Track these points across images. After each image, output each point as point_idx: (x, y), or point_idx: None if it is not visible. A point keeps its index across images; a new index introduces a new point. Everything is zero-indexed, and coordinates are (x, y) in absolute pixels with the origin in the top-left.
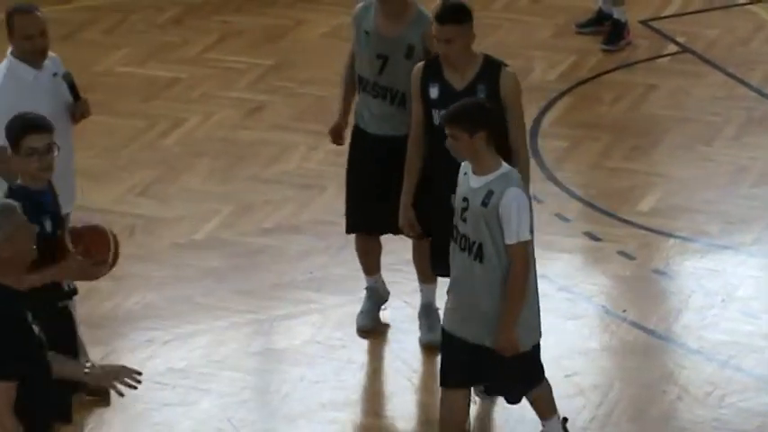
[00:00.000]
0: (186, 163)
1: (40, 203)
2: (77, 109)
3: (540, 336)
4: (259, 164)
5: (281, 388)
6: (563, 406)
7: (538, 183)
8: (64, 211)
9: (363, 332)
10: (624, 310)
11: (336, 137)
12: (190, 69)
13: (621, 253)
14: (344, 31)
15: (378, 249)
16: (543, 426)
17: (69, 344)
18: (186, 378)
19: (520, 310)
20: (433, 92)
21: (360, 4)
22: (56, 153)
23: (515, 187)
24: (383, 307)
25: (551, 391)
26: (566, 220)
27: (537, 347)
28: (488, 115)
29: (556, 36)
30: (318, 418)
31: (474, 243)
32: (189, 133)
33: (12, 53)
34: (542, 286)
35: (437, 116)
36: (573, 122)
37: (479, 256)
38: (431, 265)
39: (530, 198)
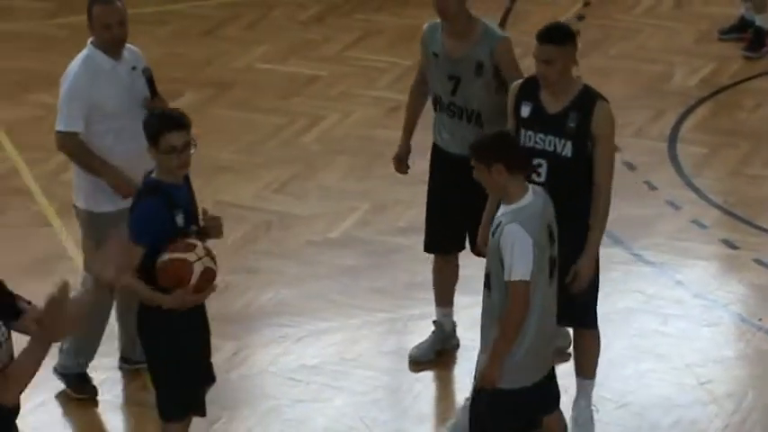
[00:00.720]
0: (324, 160)
1: (172, 197)
2: (153, 105)
3: (530, 383)
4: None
5: (413, 387)
6: (696, 413)
7: (676, 189)
8: (126, 206)
9: (415, 364)
10: (760, 319)
11: (399, 165)
12: (330, 67)
13: (758, 261)
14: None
15: (453, 277)
16: None
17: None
18: (319, 375)
19: (508, 348)
20: (525, 111)
21: (426, 26)
22: (193, 150)
23: (515, 224)
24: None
25: None
26: (703, 226)
27: (516, 393)
28: (504, 147)
29: (697, 42)
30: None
31: (487, 273)
32: (327, 131)
33: (92, 42)
34: (678, 293)
35: (524, 136)
36: (712, 129)
37: (488, 286)
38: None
39: (531, 237)
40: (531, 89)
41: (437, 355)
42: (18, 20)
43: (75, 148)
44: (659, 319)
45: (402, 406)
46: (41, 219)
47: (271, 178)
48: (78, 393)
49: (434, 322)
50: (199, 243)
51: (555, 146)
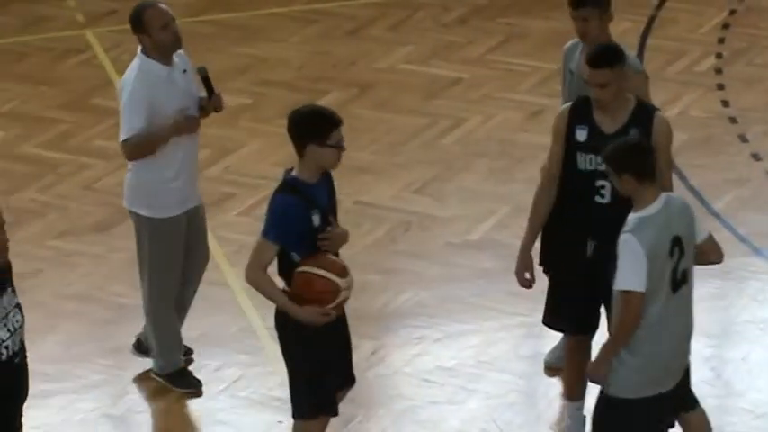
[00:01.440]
0: (464, 162)
1: (311, 197)
2: (211, 104)
3: (647, 395)
4: (537, 167)
5: (548, 392)
6: None
7: None
8: (193, 204)
9: (550, 369)
10: None
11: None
12: (472, 70)
13: None
14: (632, 36)
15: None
16: None
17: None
18: (454, 377)
19: (614, 351)
20: (581, 135)
21: (569, 43)
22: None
23: (630, 234)
24: None
25: None
26: None
27: (629, 403)
28: (634, 157)
29: None
30: None
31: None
32: (469, 133)
33: (142, 52)
34: None
35: (582, 159)
36: None
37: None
38: (549, 313)
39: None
40: (582, 112)
41: None
42: None
43: (137, 147)
44: None
45: (536, 410)
46: None
47: (411, 179)
48: (184, 387)
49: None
50: (349, 272)
51: None
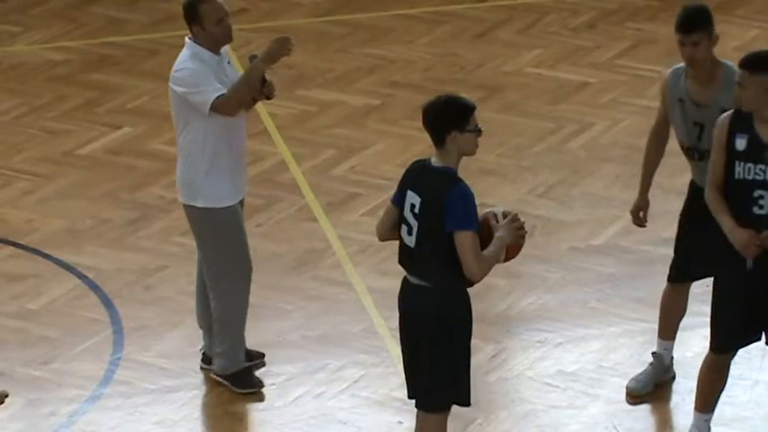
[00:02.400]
0: (590, 167)
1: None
2: (263, 91)
3: None
4: (663, 173)
5: (671, 398)
6: None
7: None
8: (243, 195)
9: (633, 397)
10: None
11: (636, 218)
12: (600, 74)
13: None
14: (761, 43)
15: (681, 309)
16: None
17: None
18: (576, 382)
19: None
20: (741, 143)
21: (669, 71)
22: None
23: None
24: None
25: None
26: None
27: None
28: None
29: None
30: None
31: None
32: (595, 138)
33: (192, 39)
34: None
35: (741, 169)
36: None
37: None
38: (716, 339)
39: None
40: (744, 121)
41: (655, 387)
42: (295, 17)
43: (227, 99)
44: None
45: (658, 417)
46: (307, 213)
47: (536, 183)
48: (244, 388)
49: (653, 354)
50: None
51: None
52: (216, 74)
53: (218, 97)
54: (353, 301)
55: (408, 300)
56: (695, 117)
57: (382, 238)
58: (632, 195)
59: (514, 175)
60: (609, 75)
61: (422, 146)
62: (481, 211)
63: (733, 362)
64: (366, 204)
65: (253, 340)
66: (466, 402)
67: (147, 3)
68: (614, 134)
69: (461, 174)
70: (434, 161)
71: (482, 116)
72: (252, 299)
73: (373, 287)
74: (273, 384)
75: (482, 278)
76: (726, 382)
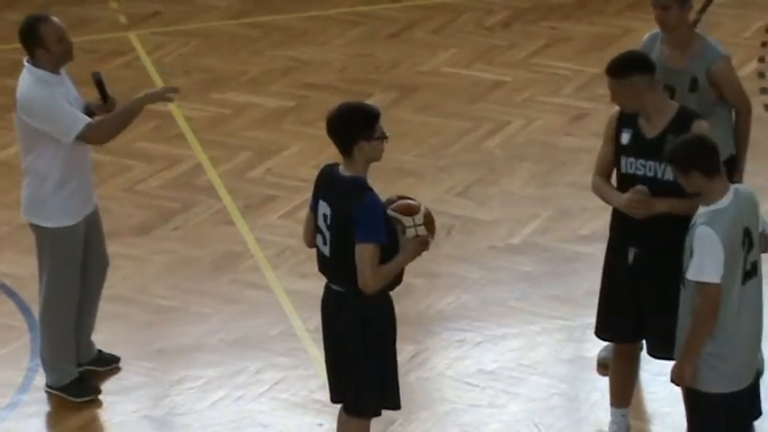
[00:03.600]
0: (507, 166)
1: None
2: (106, 109)
3: (731, 390)
4: (579, 171)
5: (590, 396)
6: None
7: None
8: (90, 210)
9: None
10: None
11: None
12: (515, 73)
13: None
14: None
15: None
16: None
17: None
18: (496, 380)
19: (698, 347)
20: (626, 138)
21: (647, 35)
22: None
23: (706, 227)
24: None
25: None
26: None
27: (714, 398)
28: (700, 153)
29: None
30: None
31: (684, 270)
32: (511, 137)
33: (30, 63)
34: None
35: (625, 163)
36: None
37: (683, 283)
38: (596, 324)
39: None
40: (630, 115)
41: None
42: (208, 19)
43: (98, 130)
44: None
45: (578, 414)
46: (225, 216)
47: (453, 182)
48: (81, 397)
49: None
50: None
51: (655, 171)
52: (65, 96)
53: (86, 127)
54: (272, 303)
55: (331, 306)
56: (666, 79)
57: (311, 246)
58: (549, 193)
59: (432, 175)
60: (524, 73)
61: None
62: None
63: (651, 359)
64: (283, 206)
65: (170, 343)
66: (396, 406)
67: (61, 7)
68: (530, 133)
69: (378, 174)
70: (342, 170)
71: (398, 116)
72: (170, 303)
73: (291, 289)
74: (193, 388)
75: (375, 291)
76: (636, 375)
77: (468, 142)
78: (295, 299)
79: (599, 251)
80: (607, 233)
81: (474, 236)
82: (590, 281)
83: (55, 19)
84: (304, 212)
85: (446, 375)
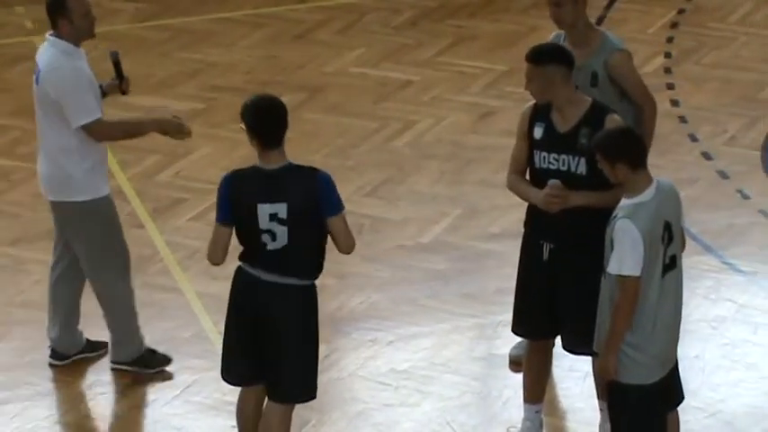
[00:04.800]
0: (415, 165)
1: None
2: (121, 87)
3: (651, 380)
4: (488, 169)
5: (502, 393)
6: None
7: None
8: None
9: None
10: None
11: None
12: (422, 72)
13: None
14: None
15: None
16: None
17: None
18: (408, 379)
19: (619, 339)
20: (538, 132)
21: (553, 33)
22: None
23: (626, 220)
24: None
25: None
26: None
27: (634, 389)
28: (626, 145)
29: None
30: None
31: (605, 263)
32: (419, 136)
33: (54, 35)
34: None
35: (538, 158)
36: None
37: (604, 272)
38: (512, 320)
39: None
40: (543, 110)
41: None
42: (115, 23)
43: (104, 129)
44: (750, 328)
45: (491, 411)
46: (134, 220)
47: (362, 182)
48: (155, 368)
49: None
50: None
51: (569, 164)
52: (88, 70)
53: (96, 121)
54: (183, 306)
55: (266, 298)
56: (576, 80)
57: (221, 262)
58: (458, 191)
59: (340, 175)
60: (431, 72)
61: (246, 149)
62: None
63: (564, 354)
64: (193, 209)
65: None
66: (312, 396)
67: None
68: (438, 131)
69: None
70: (269, 164)
71: (306, 117)
72: (81, 307)
73: (203, 292)
74: (105, 393)
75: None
76: (549, 370)
77: (376, 142)
78: (206, 301)
79: (509, 248)
80: (517, 230)
81: (384, 235)
82: (501, 278)
83: None
84: (214, 214)
85: (358, 375)
